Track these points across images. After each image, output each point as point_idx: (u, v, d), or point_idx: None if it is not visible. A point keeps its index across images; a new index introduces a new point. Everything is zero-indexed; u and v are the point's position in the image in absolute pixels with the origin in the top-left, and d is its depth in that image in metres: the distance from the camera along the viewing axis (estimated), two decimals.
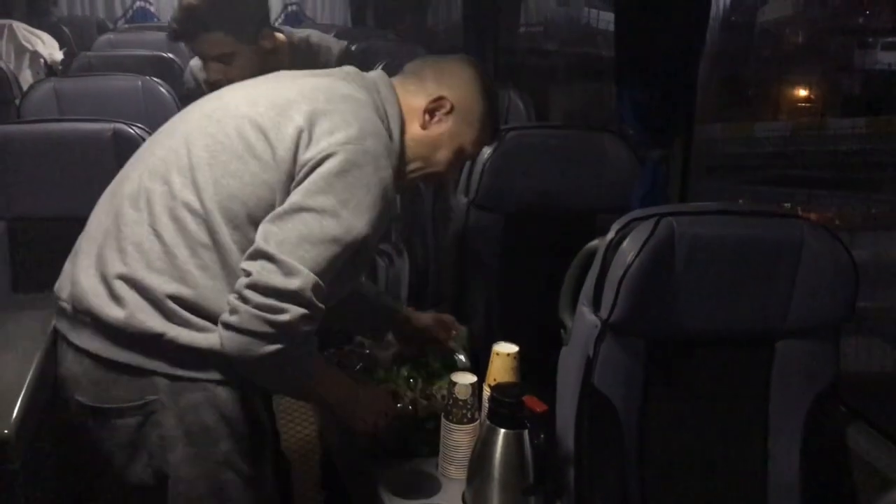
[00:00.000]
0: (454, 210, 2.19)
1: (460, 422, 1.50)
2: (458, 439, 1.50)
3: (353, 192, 1.30)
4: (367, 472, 1.51)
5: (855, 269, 1.45)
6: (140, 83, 2.95)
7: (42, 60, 4.67)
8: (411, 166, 1.49)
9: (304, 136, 1.31)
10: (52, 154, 2.17)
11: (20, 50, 4.61)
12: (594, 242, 1.50)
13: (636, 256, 1.37)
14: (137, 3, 7.34)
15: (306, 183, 1.29)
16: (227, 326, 1.26)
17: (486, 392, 1.53)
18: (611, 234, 1.43)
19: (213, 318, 1.30)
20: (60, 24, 5.51)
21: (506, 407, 1.39)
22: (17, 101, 3.18)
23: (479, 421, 1.51)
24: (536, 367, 1.55)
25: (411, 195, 2.55)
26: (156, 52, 3.91)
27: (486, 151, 2.10)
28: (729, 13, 4.69)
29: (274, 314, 1.24)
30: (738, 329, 1.48)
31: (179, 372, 1.32)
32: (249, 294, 1.24)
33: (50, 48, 4.73)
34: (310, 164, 1.30)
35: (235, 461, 1.37)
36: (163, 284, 1.29)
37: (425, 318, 1.81)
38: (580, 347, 1.44)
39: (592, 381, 1.41)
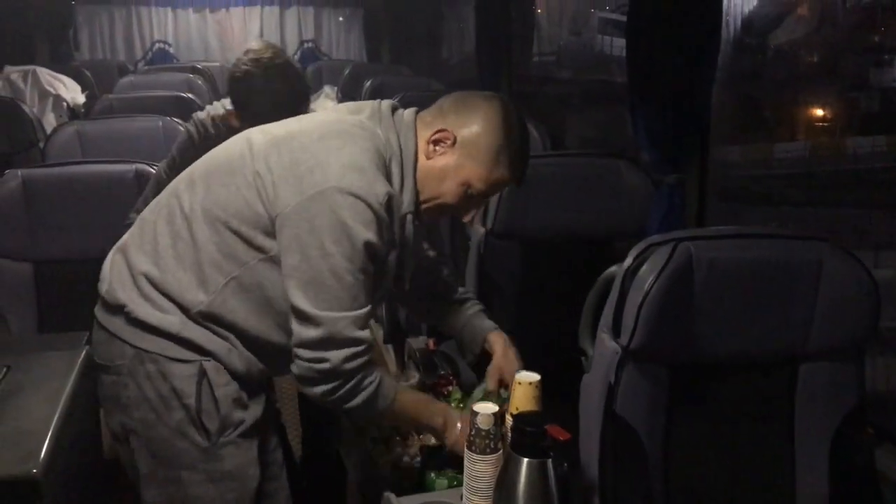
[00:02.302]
0: (472, 240, 2.21)
1: (483, 452, 1.49)
2: (482, 469, 1.48)
3: (337, 228, 1.37)
4: (391, 502, 1.51)
5: (876, 289, 1.44)
6: (161, 123, 3.01)
7: (65, 104, 4.78)
8: (422, 196, 1.52)
9: (278, 188, 1.40)
10: (76, 196, 2.22)
11: (43, 94, 4.73)
12: (612, 269, 1.50)
13: (654, 282, 1.37)
14: (157, 45, 7.49)
15: (292, 236, 1.38)
16: (294, 377, 1.43)
17: (509, 421, 1.52)
18: (628, 261, 1.43)
19: (174, 301, 1.44)
20: (82, 68, 5.64)
21: (529, 436, 1.38)
22: (42, 145, 3.25)
23: (502, 451, 1.51)
24: (558, 395, 1.55)
25: (431, 227, 2.56)
26: (175, 93, 3.99)
27: None
28: (741, 36, 4.70)
29: (318, 364, 1.39)
30: (760, 352, 1.47)
31: (138, 343, 1.44)
32: (298, 351, 1.40)
33: (72, 92, 4.85)
34: (285, 216, 1.39)
35: (188, 432, 1.45)
36: (141, 263, 1.46)
37: (497, 358, 1.74)
38: (601, 375, 1.44)
39: (615, 409, 1.41)
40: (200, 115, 2.26)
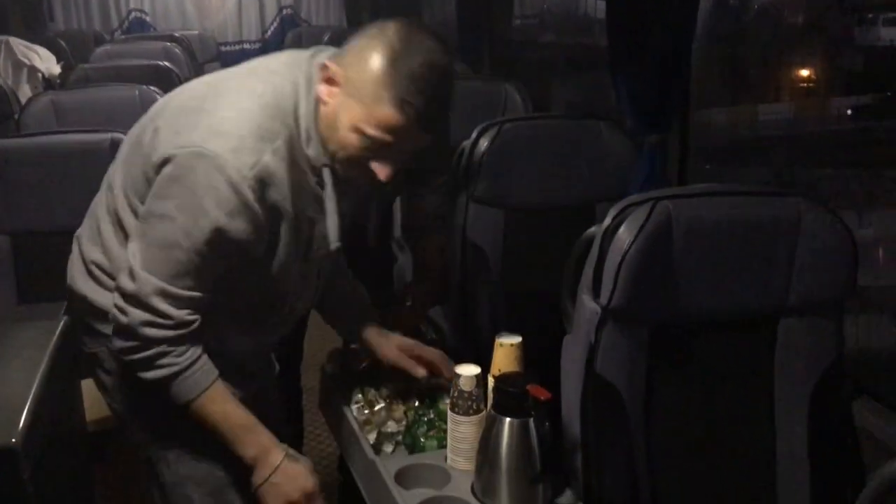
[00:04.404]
0: (455, 205, 2.20)
1: (466, 413, 1.50)
2: (465, 431, 1.50)
3: (187, 196, 1.28)
4: (376, 465, 1.52)
5: (854, 244, 1.44)
6: (137, 92, 2.97)
7: (40, 75, 4.71)
8: (330, 148, 1.36)
9: (158, 136, 1.34)
10: (52, 166, 2.19)
11: (18, 65, 4.65)
12: (592, 230, 1.50)
13: (633, 241, 1.37)
14: (133, 14, 7.37)
15: (153, 187, 1.33)
16: None
17: (491, 383, 1.53)
18: (607, 221, 1.43)
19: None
20: (57, 38, 5.55)
21: (510, 397, 1.40)
22: (17, 116, 3.20)
23: (484, 412, 1.52)
24: (540, 357, 1.55)
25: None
26: (152, 62, 3.93)
27: (483, 145, 2.10)
28: None
29: (119, 314, 1.34)
30: (740, 310, 1.48)
31: (107, 331, 1.41)
32: (113, 295, 1.36)
33: (47, 62, 4.77)
34: (155, 167, 1.32)
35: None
36: (91, 251, 1.45)
37: (393, 350, 1.66)
38: (582, 335, 1.44)
39: (595, 368, 1.41)
40: None
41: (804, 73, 4.97)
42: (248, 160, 1.28)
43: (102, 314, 1.41)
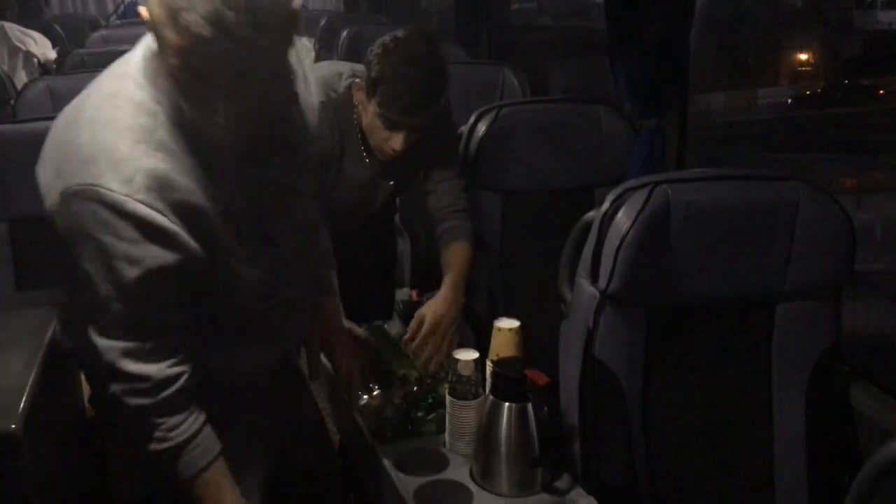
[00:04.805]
0: None
1: (465, 398, 1.50)
2: (464, 415, 1.50)
3: (86, 243, 1.10)
4: (375, 451, 1.52)
5: (852, 228, 1.44)
6: None
7: (36, 60, 4.68)
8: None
9: (41, 187, 1.14)
10: None
11: (13, 50, 4.62)
12: (590, 214, 1.50)
13: (632, 226, 1.37)
14: None
15: None
16: None
17: (490, 367, 1.53)
18: (606, 205, 1.43)
19: None
20: (53, 24, 5.52)
21: (509, 381, 1.40)
22: (13, 102, 3.19)
23: (483, 396, 1.52)
24: (540, 341, 1.56)
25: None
26: None
27: (481, 129, 2.09)
28: None
29: (108, 385, 1.19)
30: (738, 294, 1.48)
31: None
32: None
33: (43, 47, 4.74)
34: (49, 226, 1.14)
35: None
36: None
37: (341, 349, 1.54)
38: (580, 319, 1.45)
39: (594, 352, 1.42)
40: None
41: (803, 56, 4.96)
42: (124, 174, 1.06)
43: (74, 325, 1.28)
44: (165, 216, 1.08)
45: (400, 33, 1.78)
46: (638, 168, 2.08)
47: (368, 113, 1.79)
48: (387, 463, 1.48)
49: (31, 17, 5.75)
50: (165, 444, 1.18)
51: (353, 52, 3.56)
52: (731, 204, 1.44)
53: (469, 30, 3.73)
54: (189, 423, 1.20)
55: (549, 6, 5.77)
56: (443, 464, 1.49)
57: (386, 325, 1.88)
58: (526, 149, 2.11)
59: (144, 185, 1.07)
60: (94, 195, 1.06)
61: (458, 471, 1.46)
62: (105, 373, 1.16)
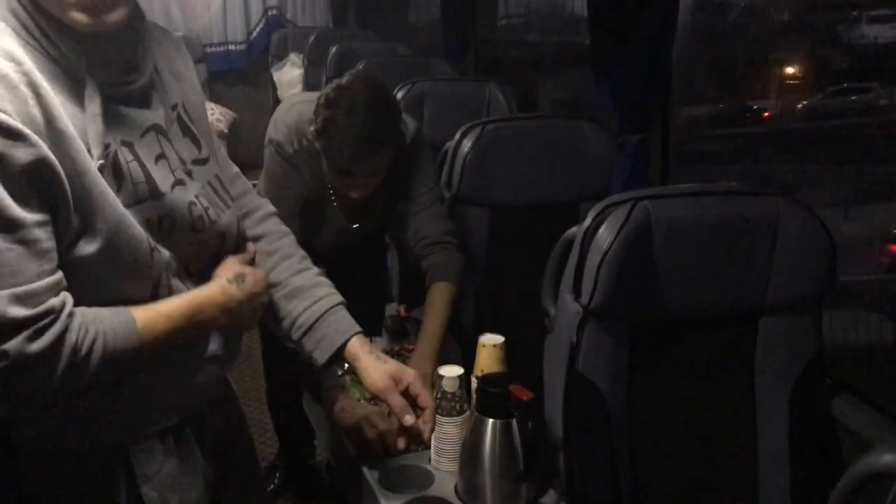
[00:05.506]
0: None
1: (450, 414, 1.51)
2: (449, 431, 1.51)
3: None
4: (360, 468, 1.52)
5: (832, 243, 1.46)
6: None
7: None
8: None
9: None
10: None
11: None
12: (572, 230, 1.51)
13: (613, 241, 1.38)
14: None
15: None
16: None
17: (474, 383, 1.54)
18: (588, 221, 1.44)
19: None
20: None
21: (493, 397, 1.41)
22: None
23: (468, 412, 1.52)
24: (525, 356, 1.56)
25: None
26: None
27: (466, 145, 2.11)
28: None
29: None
30: (720, 309, 1.49)
31: None
32: None
33: None
34: None
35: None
36: None
37: (385, 379, 1.45)
38: (564, 334, 1.45)
39: (577, 368, 1.43)
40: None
41: (790, 70, 5.00)
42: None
43: None
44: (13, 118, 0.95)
45: (344, 81, 1.78)
46: (622, 183, 2.10)
47: (324, 160, 1.80)
48: (372, 481, 1.48)
49: None
50: (84, 349, 1.01)
51: (342, 68, 3.56)
52: (712, 219, 1.45)
53: (456, 45, 3.76)
54: (77, 316, 1.02)
55: (537, 21, 5.80)
56: (428, 480, 1.49)
57: (374, 342, 1.88)
58: (511, 164, 2.13)
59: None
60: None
61: (444, 487, 1.47)
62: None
